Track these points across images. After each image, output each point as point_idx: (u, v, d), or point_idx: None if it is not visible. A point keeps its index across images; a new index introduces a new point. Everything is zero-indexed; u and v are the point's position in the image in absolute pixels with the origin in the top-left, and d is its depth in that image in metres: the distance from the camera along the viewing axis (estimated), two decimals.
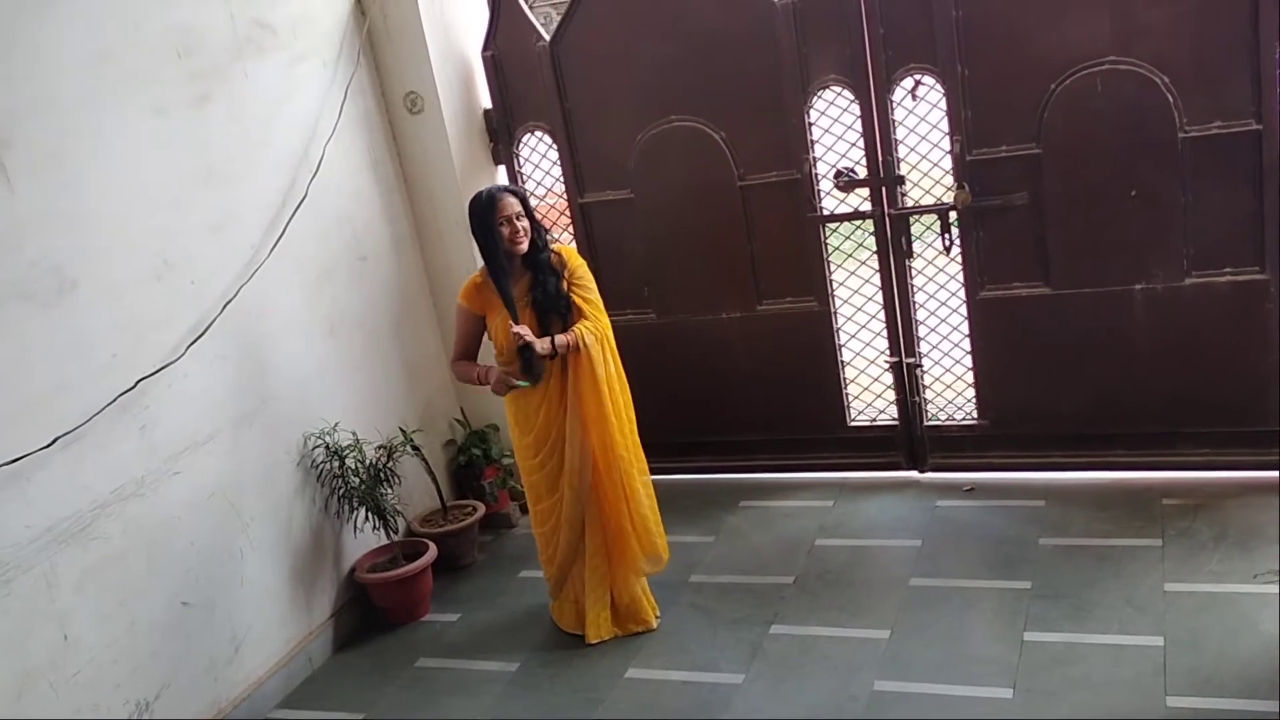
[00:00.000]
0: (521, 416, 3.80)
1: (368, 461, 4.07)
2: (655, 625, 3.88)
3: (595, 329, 3.70)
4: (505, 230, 3.60)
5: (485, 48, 4.66)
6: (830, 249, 4.49)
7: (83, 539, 3.16)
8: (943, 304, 4.47)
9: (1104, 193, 4.00)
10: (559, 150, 4.71)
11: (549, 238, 3.84)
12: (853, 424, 4.67)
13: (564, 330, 3.68)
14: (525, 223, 3.63)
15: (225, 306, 3.68)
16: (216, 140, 3.72)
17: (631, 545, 3.83)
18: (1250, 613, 3.35)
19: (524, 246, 3.63)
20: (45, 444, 3.04)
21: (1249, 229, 3.87)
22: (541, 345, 3.61)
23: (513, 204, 3.62)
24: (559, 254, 3.74)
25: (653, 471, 3.92)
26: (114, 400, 3.26)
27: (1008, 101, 4.02)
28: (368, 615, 4.22)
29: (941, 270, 4.44)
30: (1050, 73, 3.93)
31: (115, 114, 3.35)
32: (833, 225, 4.47)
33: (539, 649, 3.88)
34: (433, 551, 4.24)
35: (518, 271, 3.69)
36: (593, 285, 3.79)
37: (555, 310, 3.67)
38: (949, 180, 4.21)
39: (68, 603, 3.11)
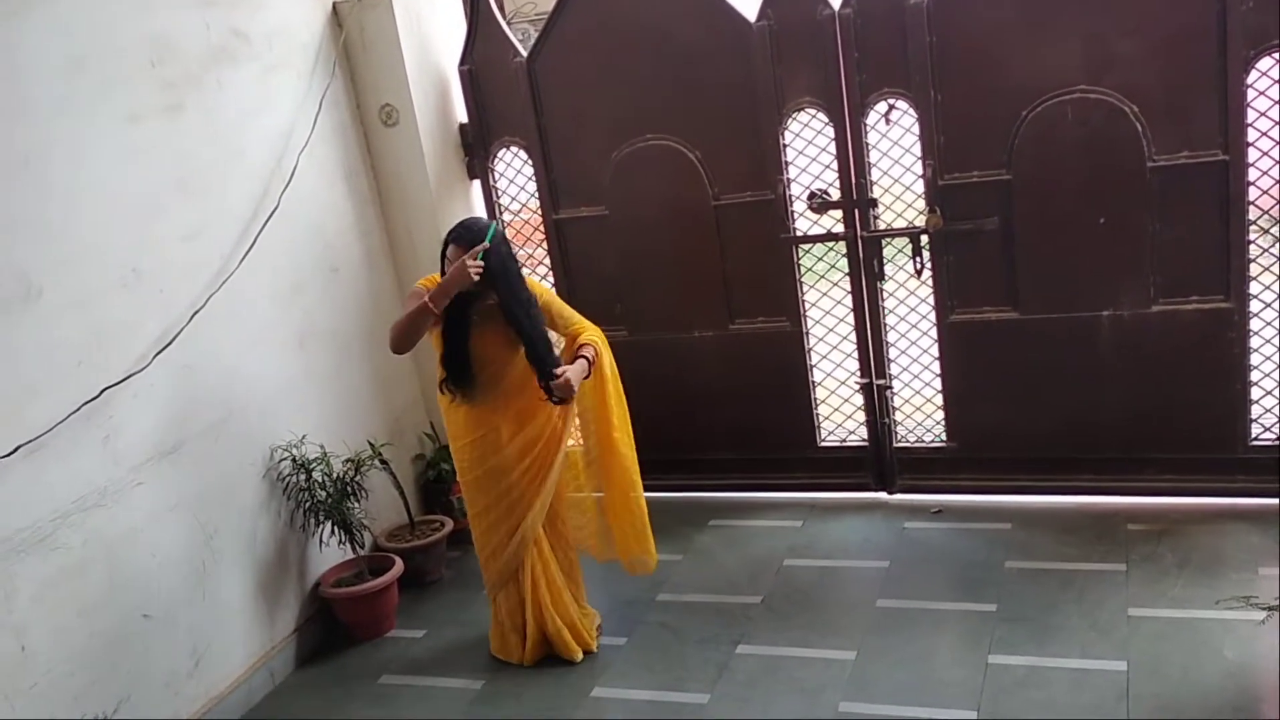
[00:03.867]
0: (456, 418, 3.69)
1: (335, 475, 4.04)
2: (580, 659, 3.80)
3: (598, 338, 3.73)
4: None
5: (462, 62, 4.66)
6: (803, 270, 4.52)
7: (42, 549, 3.11)
8: (913, 326, 4.50)
9: (1073, 220, 4.04)
10: (534, 166, 4.71)
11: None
12: (823, 444, 4.69)
13: (529, 332, 3.55)
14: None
15: (193, 316, 3.65)
16: (189, 149, 3.70)
17: (577, 572, 3.91)
18: (1213, 639, 3.37)
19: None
20: (6, 452, 3.00)
21: (1215, 258, 3.92)
22: (578, 371, 3.58)
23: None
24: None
25: None
26: (78, 409, 3.22)
27: (980, 128, 4.07)
28: (332, 631, 4.18)
29: (913, 293, 4.47)
30: (1022, 100, 3.97)
31: (88, 121, 3.32)
32: (805, 246, 4.50)
33: (504, 667, 3.85)
34: (399, 567, 4.21)
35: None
36: (562, 303, 3.81)
37: (524, 313, 3.54)
38: (921, 204, 4.24)
39: (25, 613, 3.06)
